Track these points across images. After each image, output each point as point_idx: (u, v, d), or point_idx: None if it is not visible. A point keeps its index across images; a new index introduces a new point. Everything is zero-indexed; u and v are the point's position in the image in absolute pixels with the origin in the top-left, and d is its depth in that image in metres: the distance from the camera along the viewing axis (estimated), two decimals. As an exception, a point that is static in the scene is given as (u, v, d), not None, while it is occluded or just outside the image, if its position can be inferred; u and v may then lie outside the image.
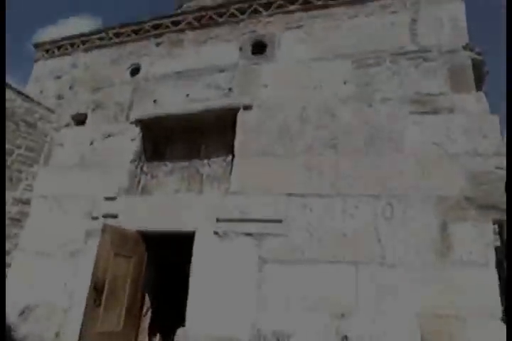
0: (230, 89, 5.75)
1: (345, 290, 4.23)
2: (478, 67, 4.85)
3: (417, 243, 4.21)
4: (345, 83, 5.20)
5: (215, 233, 4.91)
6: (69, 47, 7.56)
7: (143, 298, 5.60)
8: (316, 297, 4.29)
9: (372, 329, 3.98)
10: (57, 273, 5.56)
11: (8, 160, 6.08)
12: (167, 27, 6.69)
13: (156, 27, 6.78)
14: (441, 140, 4.53)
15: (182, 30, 6.58)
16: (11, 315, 5.45)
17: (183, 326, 4.62)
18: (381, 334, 3.94)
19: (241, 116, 5.48)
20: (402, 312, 3.99)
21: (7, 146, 6.05)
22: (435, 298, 3.95)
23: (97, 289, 4.78)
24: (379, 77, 5.09)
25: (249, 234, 4.77)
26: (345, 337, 3.98)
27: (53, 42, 7.73)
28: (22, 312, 5.45)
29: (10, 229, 5.98)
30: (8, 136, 6.08)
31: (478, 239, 4.03)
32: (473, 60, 4.80)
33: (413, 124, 4.71)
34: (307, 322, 4.20)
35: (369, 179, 4.61)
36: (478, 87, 4.82)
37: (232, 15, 6.25)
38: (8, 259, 5.91)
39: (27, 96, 6.53)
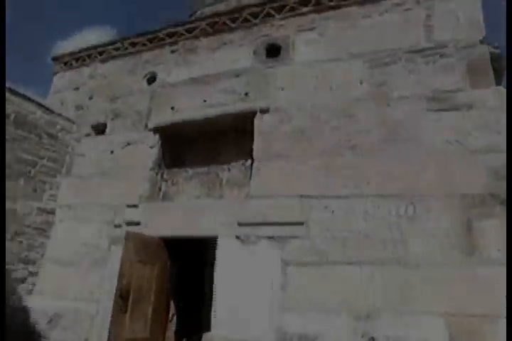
0: (246, 94, 5.77)
1: (370, 291, 4.19)
2: (496, 61, 4.76)
3: (441, 242, 4.15)
4: (361, 83, 5.17)
5: (237, 237, 4.92)
6: (86, 58, 7.71)
7: (169, 302, 5.64)
8: (340, 299, 4.26)
9: (398, 330, 3.92)
10: (83, 281, 5.65)
11: (32, 171, 6.22)
12: (181, 34, 6.76)
13: (170, 35, 6.86)
14: (462, 136, 4.46)
15: (196, 37, 6.64)
16: (41, 322, 5.57)
17: (209, 330, 4.64)
18: (408, 335, 3.88)
19: (258, 120, 5.50)
20: (429, 312, 3.92)
21: (30, 158, 6.20)
22: (463, 297, 3.88)
23: (122, 296, 4.84)
24: (395, 75, 5.04)
25: (271, 238, 4.77)
26: (372, 338, 3.93)
27: (71, 54, 7.90)
28: (50, 320, 5.55)
29: (35, 239, 6.11)
30: (31, 147, 6.22)
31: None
32: (491, 54, 4.72)
33: (432, 122, 4.65)
34: (332, 324, 4.16)
35: (389, 178, 4.56)
36: (498, 82, 4.73)
37: (245, 20, 6.28)
38: (35, 268, 6.03)
39: (48, 109, 6.67)
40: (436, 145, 4.54)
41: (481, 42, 4.79)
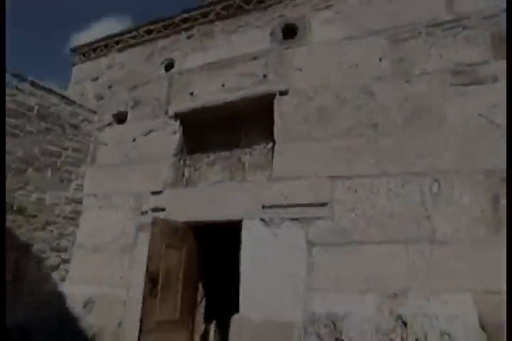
0: (264, 76, 5.73)
1: (397, 269, 4.19)
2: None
3: (467, 219, 4.09)
4: (380, 60, 5.07)
5: (262, 220, 4.95)
6: (104, 48, 7.76)
7: (196, 286, 5.76)
8: (367, 278, 4.27)
9: (426, 308, 3.91)
10: (113, 267, 5.81)
11: (58, 162, 6.36)
12: (196, 19, 6.72)
13: (185, 20, 6.82)
14: (487, 110, 4.34)
15: (211, 21, 6.59)
16: (76, 307, 5.77)
17: (237, 312, 4.72)
18: (436, 312, 3.87)
19: (278, 102, 5.46)
20: (457, 289, 3.90)
21: (55, 149, 6.33)
22: (491, 273, 3.83)
23: (152, 280, 4.95)
24: (415, 50, 4.92)
25: (295, 219, 4.79)
26: (400, 316, 3.94)
27: (88, 45, 7.95)
28: (85, 305, 5.74)
29: (65, 227, 6.30)
30: (56, 139, 6.36)
31: (534, 211, 3.87)
32: (516, 23, 4.55)
33: (455, 96, 4.54)
34: (360, 304, 4.17)
35: (413, 156, 4.50)
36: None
37: (260, 1, 6.19)
38: (67, 255, 6.23)
39: (69, 100, 6.77)
40: (460, 120, 4.44)
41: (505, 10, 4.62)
